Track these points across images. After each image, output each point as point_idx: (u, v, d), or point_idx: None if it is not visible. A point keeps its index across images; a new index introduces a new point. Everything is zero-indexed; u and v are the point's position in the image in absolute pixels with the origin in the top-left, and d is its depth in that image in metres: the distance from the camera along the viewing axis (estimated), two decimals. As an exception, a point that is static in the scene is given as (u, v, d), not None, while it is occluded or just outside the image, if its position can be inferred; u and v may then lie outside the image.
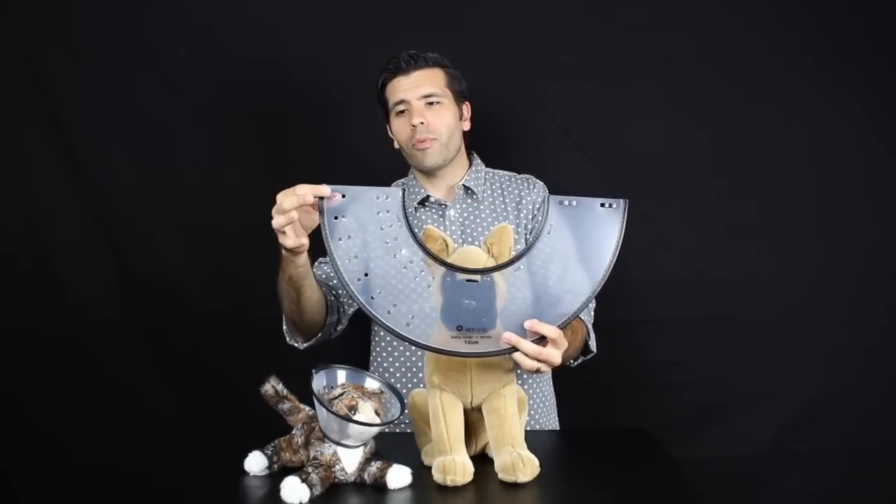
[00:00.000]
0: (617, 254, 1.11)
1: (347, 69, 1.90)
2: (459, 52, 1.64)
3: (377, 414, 1.07)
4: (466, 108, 1.63)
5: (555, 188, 1.51)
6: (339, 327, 1.54)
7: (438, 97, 1.54)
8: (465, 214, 1.58)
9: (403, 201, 1.12)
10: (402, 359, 1.55)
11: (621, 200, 1.12)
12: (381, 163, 1.79)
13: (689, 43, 1.91)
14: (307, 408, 1.15)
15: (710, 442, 1.97)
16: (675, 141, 1.94)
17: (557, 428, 1.62)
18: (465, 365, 1.13)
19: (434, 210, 1.59)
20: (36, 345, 1.98)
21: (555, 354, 1.12)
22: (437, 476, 1.08)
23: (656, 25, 1.91)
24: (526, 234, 1.57)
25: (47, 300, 1.98)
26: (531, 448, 1.12)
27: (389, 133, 1.62)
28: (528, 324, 1.09)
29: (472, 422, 1.16)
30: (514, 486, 1.07)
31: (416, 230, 1.15)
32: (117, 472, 1.85)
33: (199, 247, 1.99)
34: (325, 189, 1.10)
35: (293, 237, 1.17)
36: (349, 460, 1.07)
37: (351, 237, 1.11)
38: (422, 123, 1.52)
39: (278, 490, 1.02)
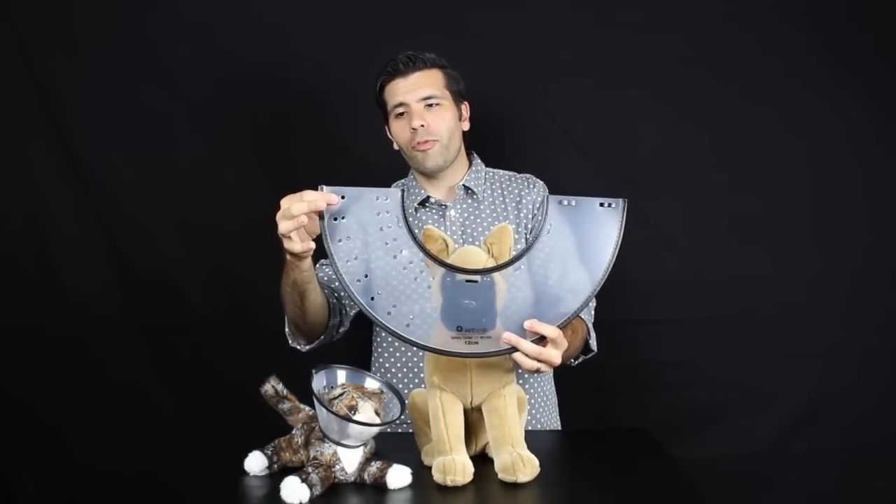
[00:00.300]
0: (616, 253, 1.11)
1: (347, 69, 1.90)
2: (459, 53, 1.63)
3: (377, 414, 1.07)
4: (465, 108, 1.62)
5: (555, 188, 1.51)
6: (342, 329, 1.54)
7: (437, 98, 1.53)
8: (466, 215, 1.58)
9: (403, 202, 1.12)
10: (403, 359, 1.55)
11: (620, 200, 1.12)
12: (382, 163, 1.79)
13: (689, 43, 1.91)
14: (307, 408, 1.15)
15: (710, 442, 1.97)
16: (675, 141, 1.94)
17: (559, 428, 1.62)
18: (465, 365, 1.12)
19: (434, 210, 1.59)
20: (36, 345, 1.98)
21: (555, 354, 1.12)
22: (437, 476, 1.08)
23: (656, 25, 1.91)
24: (526, 234, 1.57)
25: (47, 300, 1.98)
26: (531, 448, 1.12)
27: (388, 135, 1.61)
28: (527, 324, 1.09)
29: (472, 422, 1.16)
30: (514, 486, 1.07)
31: (417, 231, 1.14)
32: (117, 472, 1.86)
33: (199, 247, 1.99)
34: (334, 197, 1.09)
35: (300, 242, 1.15)
36: (349, 460, 1.07)
37: (351, 238, 1.10)
38: (422, 126, 1.51)
39: (278, 490, 1.02)
